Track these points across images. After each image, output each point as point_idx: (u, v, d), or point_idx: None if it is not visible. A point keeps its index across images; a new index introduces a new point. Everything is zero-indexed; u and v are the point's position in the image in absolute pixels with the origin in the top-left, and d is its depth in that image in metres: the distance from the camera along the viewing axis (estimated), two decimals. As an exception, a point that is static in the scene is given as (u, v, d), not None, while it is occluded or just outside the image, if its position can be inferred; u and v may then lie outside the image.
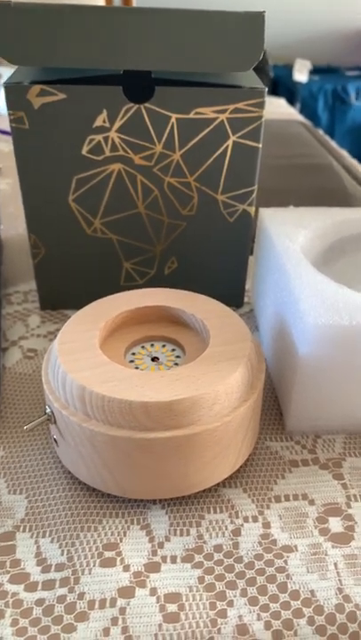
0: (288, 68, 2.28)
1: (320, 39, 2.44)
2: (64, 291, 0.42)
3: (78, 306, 0.43)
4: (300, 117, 1.08)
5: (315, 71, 2.35)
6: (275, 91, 2.28)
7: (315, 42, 2.45)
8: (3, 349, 0.39)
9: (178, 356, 0.31)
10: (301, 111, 2.20)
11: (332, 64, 2.46)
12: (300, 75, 2.28)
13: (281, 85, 2.28)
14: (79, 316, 0.31)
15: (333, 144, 0.88)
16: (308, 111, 2.24)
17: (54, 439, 0.29)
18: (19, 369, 0.38)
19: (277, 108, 1.11)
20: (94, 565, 0.26)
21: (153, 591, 0.25)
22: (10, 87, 0.34)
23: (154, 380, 0.27)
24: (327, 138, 0.91)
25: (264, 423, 0.34)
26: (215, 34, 0.33)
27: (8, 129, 0.85)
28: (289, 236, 0.37)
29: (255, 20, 0.33)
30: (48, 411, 0.28)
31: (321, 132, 0.94)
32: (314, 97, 2.25)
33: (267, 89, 0.35)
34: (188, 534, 0.27)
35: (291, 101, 2.20)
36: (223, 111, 0.36)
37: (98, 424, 0.26)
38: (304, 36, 2.43)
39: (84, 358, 0.28)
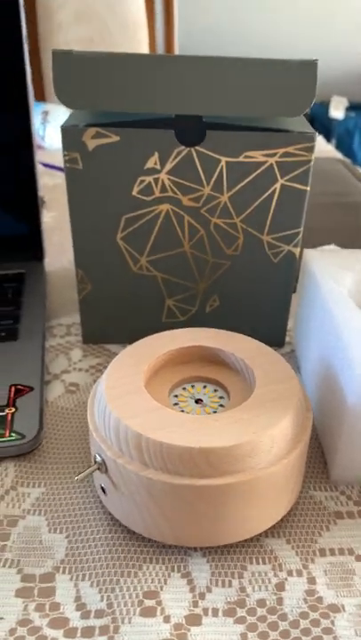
0: (324, 105, 2.31)
1: (357, 76, 2.47)
2: (107, 326, 0.43)
3: (120, 340, 0.43)
4: (338, 154, 1.08)
5: (351, 108, 2.38)
6: (312, 127, 2.31)
7: (351, 78, 2.48)
8: (45, 382, 0.39)
9: (221, 397, 0.31)
10: (337, 147, 2.21)
11: (369, 101, 2.48)
12: (337, 111, 2.30)
13: (317, 122, 2.30)
14: (122, 358, 0.31)
15: (373, 182, 0.88)
16: (344, 147, 2.25)
17: (102, 488, 0.29)
18: (61, 403, 0.38)
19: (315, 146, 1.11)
20: (134, 614, 0.25)
21: (194, 645, 0.24)
22: (66, 129, 0.35)
23: (209, 425, 0.26)
24: (367, 176, 0.91)
25: (307, 471, 0.33)
26: (268, 81, 0.33)
27: (54, 163, 0.88)
28: (335, 278, 0.36)
29: (308, 68, 0.33)
30: (98, 459, 0.27)
31: (360, 169, 0.95)
32: (350, 133, 2.26)
33: (316, 133, 0.36)
34: (230, 585, 0.27)
35: (327, 138, 2.22)
36: (273, 155, 0.36)
37: (156, 472, 0.26)
38: (340, 72, 2.46)
39: (134, 403, 0.27)
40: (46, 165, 0.85)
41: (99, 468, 0.27)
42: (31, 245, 0.53)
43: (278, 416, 0.27)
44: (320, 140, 1.22)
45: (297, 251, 0.40)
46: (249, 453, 0.26)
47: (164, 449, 0.25)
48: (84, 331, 0.43)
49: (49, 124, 0.94)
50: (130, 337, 0.43)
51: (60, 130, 0.93)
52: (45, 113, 0.95)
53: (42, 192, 0.74)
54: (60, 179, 0.82)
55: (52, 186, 0.79)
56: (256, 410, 0.27)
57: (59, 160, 0.89)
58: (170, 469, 0.25)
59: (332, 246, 0.55)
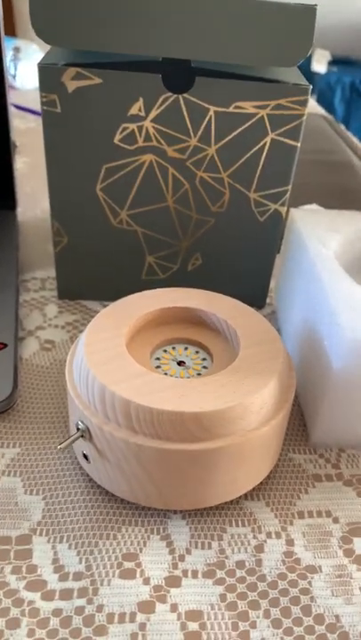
0: (306, 58, 2.24)
1: (341, 30, 2.40)
2: (83, 281, 0.41)
3: (97, 297, 0.42)
4: (322, 110, 1.06)
5: (334, 62, 2.32)
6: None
7: (335, 32, 2.41)
8: (19, 339, 0.38)
9: (204, 359, 0.30)
10: (318, 102, 2.17)
11: (351, 56, 2.42)
12: (319, 65, 2.24)
13: (298, 74, 2.24)
14: (101, 320, 0.29)
15: (355, 140, 0.86)
16: (325, 103, 2.20)
17: (84, 455, 0.28)
18: (35, 361, 0.37)
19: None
20: (113, 576, 0.25)
21: (174, 607, 0.24)
22: (44, 68, 0.33)
23: (199, 389, 0.26)
24: (349, 133, 0.89)
25: (287, 433, 0.33)
26: (263, 25, 0.31)
27: (26, 105, 0.83)
28: (322, 241, 0.36)
29: (307, 14, 0.31)
30: (81, 426, 0.26)
31: (343, 127, 0.93)
32: (331, 88, 2.21)
33: (311, 86, 0.34)
34: (209, 547, 0.27)
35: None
36: (264, 107, 0.34)
37: (146, 439, 0.25)
38: (324, 24, 2.38)
39: (117, 368, 0.26)
40: (18, 107, 0.80)
41: (82, 436, 0.27)
42: (2, 193, 0.50)
43: (266, 378, 0.26)
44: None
45: (284, 210, 0.38)
46: (240, 416, 0.25)
47: (154, 414, 0.24)
48: (59, 286, 0.42)
49: (20, 62, 0.88)
50: (107, 294, 0.42)
51: (34, 68, 0.87)
52: (17, 50, 0.89)
53: (13, 136, 0.70)
54: (32, 122, 0.77)
55: (24, 129, 0.75)
56: (243, 372, 0.27)
57: (31, 101, 0.84)
58: (160, 435, 0.25)
59: (314, 206, 0.54)
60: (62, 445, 0.26)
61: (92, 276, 0.41)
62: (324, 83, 2.17)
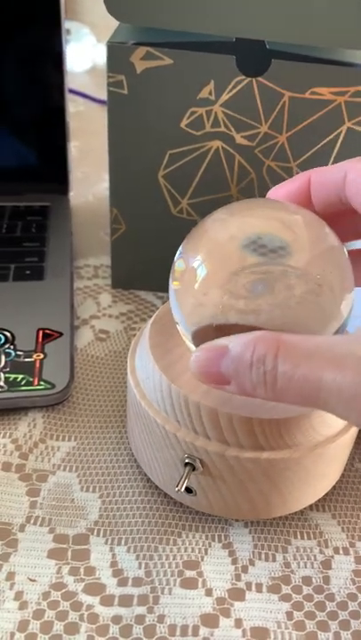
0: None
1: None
2: (139, 271, 0.40)
3: (150, 288, 0.41)
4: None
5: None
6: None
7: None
8: (75, 328, 0.37)
9: None
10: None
11: None
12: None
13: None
14: (162, 319, 0.28)
15: None
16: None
17: (187, 490, 0.25)
18: (90, 351, 0.36)
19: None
20: (175, 585, 0.24)
21: (238, 623, 0.23)
22: (113, 47, 0.31)
23: None
24: None
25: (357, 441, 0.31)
26: (345, 3, 0.29)
27: (76, 88, 0.82)
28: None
29: None
30: (190, 461, 0.24)
31: None
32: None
33: (395, 71, 0.32)
34: (273, 560, 0.25)
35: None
36: (342, 93, 0.32)
37: (241, 450, 0.24)
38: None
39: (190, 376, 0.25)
40: (72, 92, 0.79)
41: (194, 469, 0.24)
42: (56, 177, 0.49)
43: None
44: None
45: (353, 203, 0.36)
46: (320, 424, 0.24)
47: (255, 424, 0.23)
48: (114, 274, 0.40)
49: (70, 45, 0.87)
50: (162, 285, 0.40)
51: (84, 51, 0.86)
52: (67, 32, 0.87)
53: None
54: (82, 105, 0.76)
55: (73, 113, 0.73)
56: None
57: (80, 84, 0.83)
58: (232, 441, 0.23)
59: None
60: (181, 487, 0.24)
61: (148, 266, 0.40)
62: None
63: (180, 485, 0.24)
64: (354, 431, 0.25)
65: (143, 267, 0.40)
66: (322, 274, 0.23)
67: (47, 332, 0.34)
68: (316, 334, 0.23)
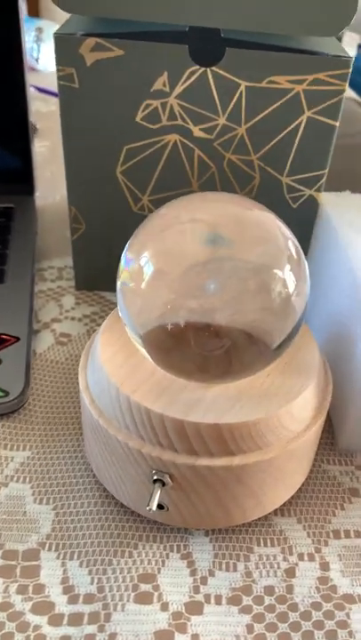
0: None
1: (374, 10, 2.31)
2: (102, 271, 0.39)
3: (115, 288, 0.39)
4: (352, 94, 1.01)
5: (365, 44, 2.24)
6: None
7: (368, 12, 2.32)
8: (34, 332, 0.36)
9: None
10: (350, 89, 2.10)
11: (384, 37, 2.34)
12: (349, 48, 2.17)
13: (329, 57, 2.17)
14: (113, 324, 0.27)
15: (391, 124, 0.81)
16: (355, 87, 2.13)
17: (159, 506, 0.24)
18: (50, 356, 0.34)
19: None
20: (128, 600, 0.23)
21: (195, 638, 0.22)
22: (61, 38, 0.30)
23: (223, 397, 0.23)
24: (384, 117, 0.84)
25: (321, 441, 0.30)
26: (303, -12, 0.28)
27: (48, 87, 0.80)
28: (354, 227, 0.32)
29: (352, -26, 0.28)
30: (159, 476, 0.23)
31: (377, 110, 0.88)
32: (360, 72, 2.14)
33: (353, 59, 0.31)
34: (234, 569, 0.24)
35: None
36: (301, 82, 0.31)
37: (212, 459, 0.22)
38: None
39: (142, 378, 0.24)
40: (40, 90, 0.78)
41: (164, 484, 0.23)
42: (21, 177, 0.48)
43: (294, 391, 0.24)
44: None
45: (319, 196, 0.35)
46: (275, 428, 0.22)
47: (224, 430, 0.22)
48: (76, 275, 0.39)
49: (43, 44, 0.85)
50: (128, 285, 0.39)
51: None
52: (39, 30, 0.86)
53: (34, 118, 0.68)
54: (54, 105, 0.75)
55: (45, 113, 0.72)
56: (279, 378, 0.24)
57: (53, 84, 0.82)
58: (202, 451, 0.22)
59: (347, 193, 0.50)
60: (152, 507, 0.22)
61: (111, 266, 0.38)
62: (354, 67, 2.10)
63: (150, 504, 0.22)
64: (320, 423, 0.24)
65: (106, 267, 0.38)
66: (275, 267, 0.22)
67: (3, 337, 0.33)
68: (272, 329, 0.22)
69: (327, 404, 0.25)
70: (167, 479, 0.23)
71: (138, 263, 0.22)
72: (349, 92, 1.00)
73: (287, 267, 0.22)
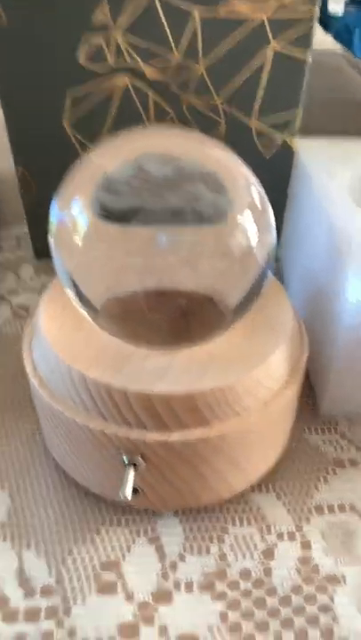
0: (321, 0, 2.08)
1: None
2: (62, 237, 0.36)
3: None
4: (339, 47, 0.96)
5: (351, 2, 2.14)
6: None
7: None
8: (-12, 306, 0.33)
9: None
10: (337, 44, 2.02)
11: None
12: (336, 6, 2.08)
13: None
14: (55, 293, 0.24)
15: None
16: (343, 45, 2.05)
17: (134, 491, 0.21)
18: (7, 330, 0.32)
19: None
20: (89, 591, 0.21)
21: (163, 631, 0.20)
22: (-15, -31, 0.26)
23: (192, 364, 0.20)
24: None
25: (300, 408, 0.27)
26: None
27: None
28: (331, 174, 0.29)
29: None
30: (129, 459, 0.20)
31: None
32: (349, 30, 2.06)
33: (321, -23, 0.27)
34: (207, 552, 0.22)
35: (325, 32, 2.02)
36: (264, 9, 0.27)
37: (187, 431, 0.20)
38: None
39: (94, 351, 0.21)
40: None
41: (135, 467, 0.20)
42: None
43: (267, 350, 0.21)
44: (318, 31, 1.08)
45: (294, 141, 0.32)
46: (246, 392, 0.20)
47: (172, 401, 0.19)
48: (34, 243, 0.36)
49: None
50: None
51: None
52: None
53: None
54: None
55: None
56: (242, 341, 0.21)
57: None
58: (174, 424, 0.20)
59: (324, 139, 0.47)
60: (126, 493, 0.20)
61: (72, 231, 0.35)
62: (341, 25, 2.01)
63: (124, 490, 0.20)
64: (298, 381, 0.22)
65: (66, 231, 0.35)
66: (233, 215, 0.19)
67: None
68: (232, 285, 0.20)
69: (303, 363, 0.22)
70: (139, 460, 0.20)
71: (70, 215, 0.19)
72: (336, 46, 0.96)
73: (248, 215, 0.19)
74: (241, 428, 0.20)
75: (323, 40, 0.97)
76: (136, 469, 0.20)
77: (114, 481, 0.21)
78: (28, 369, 0.22)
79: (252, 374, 0.20)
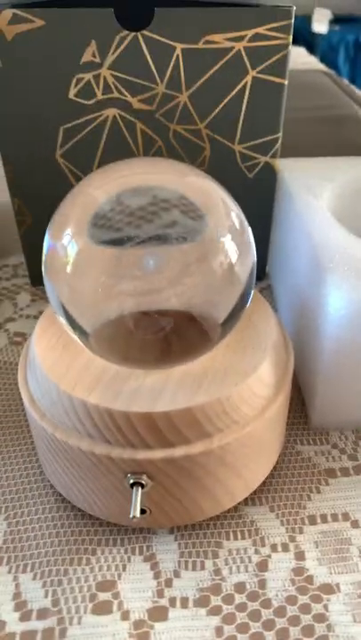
0: (306, 19, 2.14)
1: (341, -15, 2.28)
2: (57, 264, 0.37)
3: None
4: (323, 67, 0.99)
5: (335, 21, 2.21)
6: (292, 43, 2.15)
7: (335, -12, 2.29)
8: (-15, 334, 0.34)
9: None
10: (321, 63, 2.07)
11: (354, 13, 2.30)
12: (320, 25, 2.14)
13: (298, 37, 2.14)
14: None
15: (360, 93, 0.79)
16: (328, 64, 2.10)
17: (142, 511, 0.22)
18: (3, 357, 0.32)
19: (297, 58, 1.01)
20: (85, 612, 0.21)
21: (158, 648, 0.20)
22: (-25, 13, 0.28)
23: (186, 380, 0.21)
24: (354, 87, 0.82)
25: (292, 422, 0.28)
26: None
27: None
28: (312, 191, 0.30)
29: None
30: (135, 480, 0.20)
31: (346, 81, 0.86)
32: (334, 49, 2.11)
33: (294, 7, 0.28)
34: (202, 568, 0.22)
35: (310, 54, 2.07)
36: (240, 38, 0.29)
37: (190, 446, 0.20)
38: (324, -18, 2.27)
39: (82, 372, 0.22)
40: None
41: (143, 487, 0.21)
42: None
43: (257, 360, 0.22)
44: (302, 51, 1.11)
45: (276, 163, 0.33)
46: (221, 414, 0.20)
47: (173, 417, 0.20)
48: (30, 271, 0.37)
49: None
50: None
51: None
52: None
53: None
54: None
55: None
56: (228, 357, 0.22)
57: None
58: (177, 440, 0.20)
59: (304, 158, 0.48)
60: (136, 513, 0.20)
61: (66, 258, 0.36)
62: (326, 43, 2.07)
63: (133, 511, 0.20)
64: (289, 383, 0.23)
65: (60, 259, 0.36)
66: (215, 239, 0.20)
67: None
68: (215, 303, 0.20)
69: (291, 369, 0.23)
70: (145, 479, 0.21)
71: (61, 244, 0.20)
72: (320, 66, 0.98)
73: (228, 237, 0.20)
74: (240, 436, 0.21)
75: (307, 60, 1.00)
76: (143, 489, 0.21)
77: (121, 503, 0.21)
78: (27, 402, 0.22)
79: (245, 384, 0.21)
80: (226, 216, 0.20)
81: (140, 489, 0.20)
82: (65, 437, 0.21)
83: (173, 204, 0.20)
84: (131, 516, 0.20)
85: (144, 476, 0.20)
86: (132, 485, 0.20)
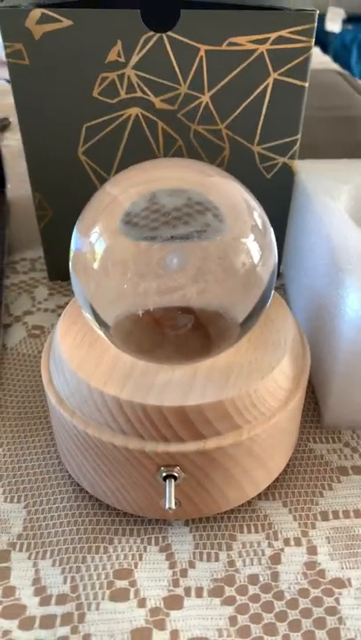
0: (319, 18, 2.13)
1: (356, -16, 2.27)
2: (74, 259, 0.37)
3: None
4: (336, 66, 0.99)
5: (349, 20, 2.20)
6: (306, 42, 2.14)
7: (351, -13, 2.28)
8: (4, 326, 0.34)
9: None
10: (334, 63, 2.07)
11: (368, 12, 2.29)
12: (333, 24, 2.13)
13: (313, 36, 2.13)
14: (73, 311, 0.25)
15: (376, 94, 0.79)
16: (341, 63, 2.10)
17: (177, 502, 0.22)
18: (22, 349, 0.33)
19: (312, 57, 1.01)
20: (103, 598, 0.21)
21: (174, 635, 0.20)
22: (4, 12, 0.28)
23: (214, 374, 0.22)
24: (368, 88, 0.82)
25: (305, 420, 0.28)
26: None
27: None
28: (329, 193, 0.31)
29: None
30: (168, 472, 0.21)
31: (360, 81, 0.86)
32: (347, 48, 2.10)
33: (317, 11, 0.29)
34: (216, 559, 0.23)
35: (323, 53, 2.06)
36: (263, 41, 0.29)
37: (220, 438, 0.21)
38: (339, -19, 2.26)
39: (110, 369, 0.22)
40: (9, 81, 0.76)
41: (175, 479, 0.21)
42: (-11, 170, 0.46)
43: (279, 354, 0.22)
44: (317, 51, 1.11)
45: (294, 164, 0.34)
46: (244, 409, 0.21)
47: (205, 410, 0.21)
48: (48, 265, 0.38)
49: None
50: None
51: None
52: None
53: (5, 112, 0.66)
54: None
55: (18, 106, 0.70)
56: (249, 353, 0.23)
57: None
58: (209, 433, 0.21)
59: (323, 159, 0.48)
60: (171, 505, 0.21)
61: (84, 253, 0.37)
62: (339, 42, 2.06)
63: (169, 503, 0.20)
64: (306, 377, 0.24)
65: (78, 254, 0.37)
66: (238, 238, 0.20)
67: (-29, 332, 0.32)
68: (237, 303, 0.21)
69: (303, 382, 0.23)
70: (178, 472, 0.21)
71: (88, 242, 0.21)
72: (334, 65, 0.98)
73: (251, 237, 0.21)
74: (267, 427, 0.21)
75: (322, 59, 1.00)
76: (175, 481, 0.21)
77: (151, 496, 0.22)
78: (55, 401, 0.23)
79: (270, 377, 0.22)
80: (249, 216, 0.21)
81: (173, 480, 0.21)
82: (98, 434, 0.21)
83: (199, 204, 0.21)
84: (167, 507, 0.20)
85: (177, 469, 0.21)
86: (164, 478, 0.21)
